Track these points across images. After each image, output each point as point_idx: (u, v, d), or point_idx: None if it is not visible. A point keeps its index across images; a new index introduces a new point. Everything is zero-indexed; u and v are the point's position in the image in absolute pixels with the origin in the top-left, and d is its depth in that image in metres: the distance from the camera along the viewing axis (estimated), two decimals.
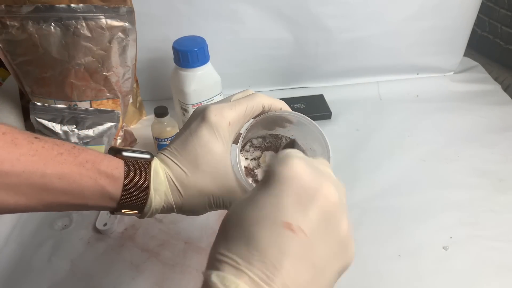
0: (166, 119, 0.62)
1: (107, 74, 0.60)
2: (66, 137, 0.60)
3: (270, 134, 0.42)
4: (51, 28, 0.55)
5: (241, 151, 0.39)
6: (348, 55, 0.78)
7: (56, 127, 0.60)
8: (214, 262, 0.25)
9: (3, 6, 0.54)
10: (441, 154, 0.65)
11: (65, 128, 0.60)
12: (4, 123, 0.30)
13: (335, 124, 0.73)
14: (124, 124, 0.67)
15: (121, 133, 0.66)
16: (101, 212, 0.57)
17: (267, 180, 0.27)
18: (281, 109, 0.38)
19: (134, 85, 0.69)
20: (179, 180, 0.34)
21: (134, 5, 0.58)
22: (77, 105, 0.61)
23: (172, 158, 0.34)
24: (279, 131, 0.42)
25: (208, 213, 0.37)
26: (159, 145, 0.65)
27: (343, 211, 0.28)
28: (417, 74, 0.84)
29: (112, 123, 0.62)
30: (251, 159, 0.41)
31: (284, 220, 0.25)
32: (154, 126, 0.63)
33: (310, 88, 0.82)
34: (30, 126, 0.62)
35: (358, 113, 0.75)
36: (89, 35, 0.56)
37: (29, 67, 0.59)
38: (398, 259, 0.50)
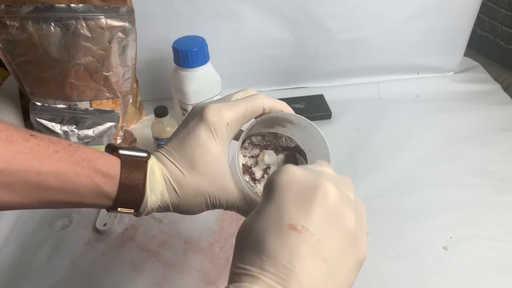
0: (166, 119, 0.62)
1: (107, 74, 0.60)
2: (66, 137, 0.60)
3: (269, 133, 0.42)
4: (51, 28, 0.55)
5: (240, 148, 0.39)
6: (348, 55, 0.78)
7: (56, 127, 0.59)
8: (232, 277, 0.26)
9: (3, 6, 0.54)
10: (441, 154, 0.65)
11: (65, 128, 0.60)
12: (0, 120, 0.30)
13: (335, 124, 0.73)
14: (124, 124, 0.67)
15: (121, 133, 0.66)
16: (101, 212, 0.57)
17: (268, 191, 0.29)
18: (282, 111, 0.37)
19: (134, 85, 0.69)
20: (175, 179, 0.33)
21: (134, 5, 0.58)
22: (77, 105, 0.61)
23: (169, 157, 0.34)
24: (279, 130, 0.42)
25: (208, 213, 0.37)
26: (159, 145, 0.65)
27: (348, 205, 0.28)
28: (417, 74, 0.84)
29: (112, 123, 0.62)
30: (249, 157, 0.41)
31: (288, 223, 0.26)
32: (154, 126, 0.63)
33: (310, 88, 0.82)
34: (30, 126, 0.62)
35: (358, 113, 0.75)
36: (89, 35, 0.56)
37: (29, 67, 0.59)
38: (398, 259, 0.50)
